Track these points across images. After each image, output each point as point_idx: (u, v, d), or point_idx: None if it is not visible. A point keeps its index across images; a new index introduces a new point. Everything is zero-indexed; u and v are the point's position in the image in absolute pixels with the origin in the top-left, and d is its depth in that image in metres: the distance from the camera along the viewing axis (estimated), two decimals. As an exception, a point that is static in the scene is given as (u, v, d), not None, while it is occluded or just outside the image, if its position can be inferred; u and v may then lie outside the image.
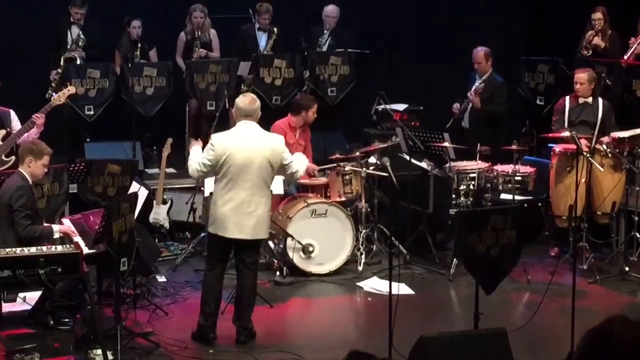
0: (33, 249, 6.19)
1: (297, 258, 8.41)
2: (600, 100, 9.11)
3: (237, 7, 10.93)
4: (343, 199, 8.71)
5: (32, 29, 10.48)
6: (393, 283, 6.14)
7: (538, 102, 10.36)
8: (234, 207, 6.62)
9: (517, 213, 6.35)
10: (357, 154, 8.85)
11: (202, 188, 8.76)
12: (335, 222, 8.50)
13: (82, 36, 10.11)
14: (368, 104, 10.53)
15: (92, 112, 9.86)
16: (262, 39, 10.76)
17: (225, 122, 9.29)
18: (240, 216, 6.63)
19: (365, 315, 7.89)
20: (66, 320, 7.05)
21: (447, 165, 8.80)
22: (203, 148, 6.84)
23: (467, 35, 10.93)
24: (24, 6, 10.67)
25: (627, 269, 8.41)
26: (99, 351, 6.30)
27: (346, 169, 8.70)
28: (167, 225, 9.22)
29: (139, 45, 10.31)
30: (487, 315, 6.27)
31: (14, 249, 6.20)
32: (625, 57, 9.95)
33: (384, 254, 8.72)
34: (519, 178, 8.65)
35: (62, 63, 9.92)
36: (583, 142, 8.16)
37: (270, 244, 8.48)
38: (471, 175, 8.64)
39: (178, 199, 9.50)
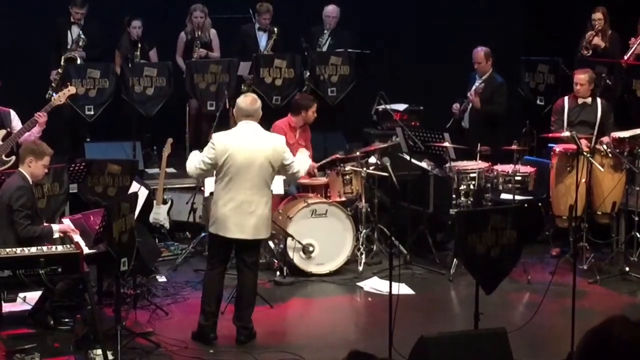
0: (33, 249, 6.19)
1: (297, 258, 8.41)
2: (599, 100, 9.12)
3: (238, 7, 10.93)
4: (343, 199, 8.72)
5: (32, 29, 10.48)
6: (393, 283, 6.14)
7: (538, 102, 10.35)
8: (234, 207, 6.62)
9: (518, 213, 6.35)
10: (358, 154, 8.85)
11: (202, 188, 8.76)
12: (336, 222, 8.50)
13: (82, 36, 10.11)
14: (368, 104, 10.53)
15: (92, 112, 9.87)
16: (263, 39, 10.76)
17: (225, 122, 9.28)
18: (241, 216, 6.63)
19: (365, 316, 7.89)
20: (66, 320, 7.05)
21: (447, 165, 8.80)
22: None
23: (467, 35, 10.93)
24: (24, 6, 10.67)
25: (627, 269, 8.40)
26: (99, 351, 6.31)
27: (346, 169, 8.70)
28: (167, 225, 9.22)
29: (139, 45, 10.31)
30: (487, 315, 6.27)
31: (14, 249, 6.20)
32: (626, 57, 9.96)
33: (384, 254, 8.72)
34: (519, 178, 8.65)
35: (62, 63, 9.92)
36: (583, 142, 8.17)
37: (271, 244, 8.48)
38: (471, 175, 8.64)
39: (178, 199, 9.51)
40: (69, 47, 10.12)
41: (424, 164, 9.15)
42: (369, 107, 10.53)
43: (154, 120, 10.17)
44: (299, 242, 8.36)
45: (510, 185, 8.61)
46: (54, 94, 8.82)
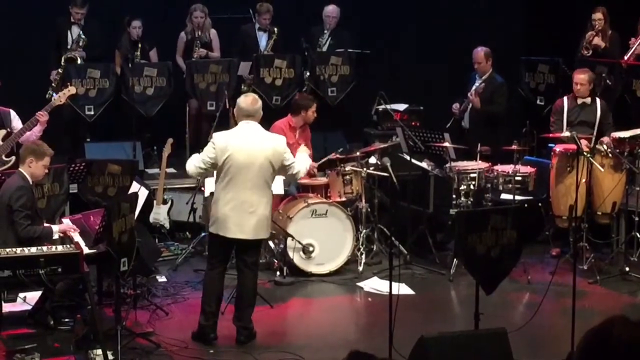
0: (33, 249, 6.19)
1: (297, 258, 8.41)
2: (598, 100, 9.13)
3: (238, 7, 10.93)
4: (343, 199, 8.72)
5: (32, 29, 10.48)
6: (393, 283, 6.14)
7: (538, 102, 10.35)
8: (235, 207, 6.62)
9: (518, 213, 6.35)
10: (358, 154, 8.84)
11: (202, 188, 8.77)
12: (336, 222, 8.50)
13: (82, 36, 10.11)
14: (368, 104, 10.53)
15: (92, 112, 9.87)
16: (263, 39, 10.76)
17: (225, 122, 9.29)
18: (241, 216, 6.63)
19: (365, 316, 7.89)
20: (66, 320, 7.05)
21: (447, 165, 8.80)
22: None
23: (467, 35, 10.93)
24: (24, 6, 10.67)
25: (627, 269, 8.40)
26: (99, 351, 6.31)
27: (347, 169, 8.70)
28: (167, 225, 9.23)
29: (139, 45, 10.31)
30: (487, 315, 6.27)
31: (14, 249, 6.20)
32: (626, 58, 9.95)
33: (384, 254, 8.72)
34: (519, 178, 8.65)
35: (62, 63, 9.92)
36: (583, 142, 8.17)
37: (271, 244, 8.49)
38: (471, 175, 8.64)
39: (178, 199, 9.51)
40: (69, 47, 10.12)
41: (424, 164, 9.15)
42: (369, 107, 10.53)
43: (154, 120, 10.17)
44: (299, 242, 8.36)
45: (510, 185, 8.61)
46: (54, 94, 8.82)
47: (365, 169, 8.69)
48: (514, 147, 8.65)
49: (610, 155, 8.54)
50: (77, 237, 6.83)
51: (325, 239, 8.45)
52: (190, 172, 6.91)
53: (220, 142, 6.65)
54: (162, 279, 8.28)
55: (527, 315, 7.06)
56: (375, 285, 8.19)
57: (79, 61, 10.04)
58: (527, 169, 8.82)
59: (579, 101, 9.09)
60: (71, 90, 8.72)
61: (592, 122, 9.05)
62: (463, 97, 9.88)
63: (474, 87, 9.73)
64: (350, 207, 8.77)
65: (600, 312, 7.16)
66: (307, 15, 11.22)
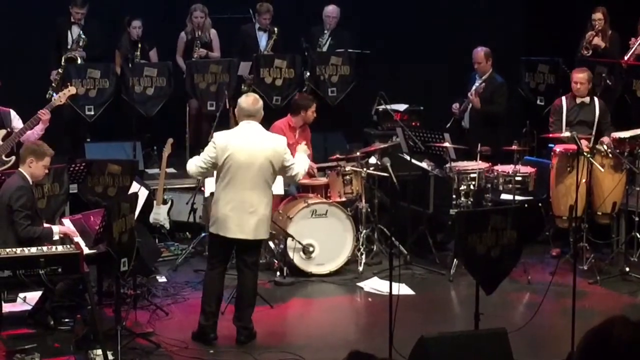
0: (33, 249, 6.19)
1: (297, 258, 8.41)
2: (596, 99, 9.13)
3: (238, 7, 10.93)
4: (343, 199, 8.71)
5: (32, 29, 10.48)
6: (393, 283, 6.14)
7: (538, 102, 10.35)
8: (235, 207, 6.62)
9: (518, 213, 6.35)
10: (358, 154, 8.84)
11: (202, 188, 8.77)
12: (336, 223, 8.50)
13: (82, 36, 10.11)
14: (368, 104, 10.53)
15: (92, 112, 9.87)
16: (263, 39, 10.76)
17: (225, 122, 9.29)
18: (241, 216, 6.63)
19: (365, 316, 7.89)
20: (66, 320, 7.05)
21: (447, 165, 8.80)
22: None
23: (467, 35, 10.93)
24: (24, 6, 10.66)
25: (627, 269, 8.40)
26: (99, 351, 6.31)
27: (346, 169, 8.70)
28: (167, 225, 9.23)
29: (139, 45, 10.31)
30: (487, 315, 6.27)
31: (14, 249, 6.20)
32: (626, 58, 9.95)
33: (384, 254, 8.72)
34: (520, 178, 8.65)
35: (62, 63, 9.92)
36: (583, 142, 8.17)
37: (271, 244, 8.49)
38: (471, 175, 8.64)
39: (178, 199, 9.51)
40: (69, 47, 10.12)
41: (424, 164, 9.15)
42: (369, 107, 10.53)
43: (154, 121, 10.17)
44: (299, 243, 8.36)
45: (510, 185, 8.61)
46: (54, 94, 8.82)
47: (365, 169, 8.69)
48: (514, 147, 8.66)
49: (610, 155, 8.54)
50: (77, 238, 6.83)
51: (325, 239, 8.44)
52: (191, 172, 6.91)
53: (221, 142, 6.65)
54: (162, 279, 8.28)
55: (527, 316, 7.06)
56: (376, 285, 8.19)
57: (79, 61, 10.04)
58: (527, 169, 8.82)
59: (578, 100, 9.10)
60: (71, 90, 8.72)
61: (591, 121, 9.05)
62: (463, 97, 9.88)
63: (474, 87, 9.73)
64: (350, 207, 8.77)
65: (601, 313, 7.16)
66: (307, 15, 11.22)
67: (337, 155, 8.93)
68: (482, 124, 9.72)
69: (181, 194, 9.61)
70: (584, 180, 7.78)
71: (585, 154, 7.95)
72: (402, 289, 7.44)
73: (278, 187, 7.77)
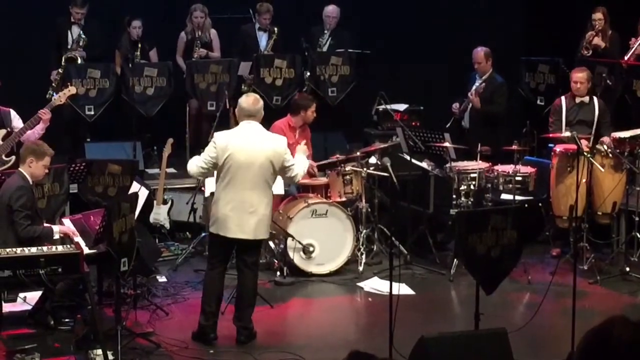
0: (33, 249, 6.19)
1: (297, 258, 8.41)
2: (595, 99, 9.14)
3: (238, 7, 10.93)
4: (343, 199, 8.71)
5: (32, 29, 10.48)
6: (393, 283, 6.14)
7: (539, 102, 10.35)
8: (235, 207, 6.62)
9: (518, 213, 6.35)
10: (358, 154, 8.84)
11: (202, 188, 8.77)
12: (336, 223, 8.50)
13: (83, 36, 10.11)
14: (368, 104, 10.53)
15: (92, 112, 9.87)
16: (263, 39, 10.76)
17: (225, 122, 9.29)
18: (241, 216, 6.63)
19: (365, 316, 7.89)
20: (66, 320, 7.05)
21: (447, 165, 8.80)
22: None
23: (467, 35, 10.93)
24: (24, 6, 10.67)
25: (627, 269, 8.40)
26: (100, 351, 6.31)
27: (347, 169, 8.70)
28: (167, 225, 9.23)
29: (139, 45, 10.31)
30: (487, 315, 6.27)
31: (14, 249, 6.20)
32: (626, 58, 9.95)
33: (384, 254, 8.72)
34: (520, 178, 8.65)
35: (63, 63, 9.92)
36: (583, 142, 8.17)
37: (271, 244, 8.49)
38: (472, 175, 8.64)
39: (178, 199, 9.51)
40: (69, 47, 10.12)
41: (424, 164, 9.15)
42: (369, 107, 10.53)
43: (154, 121, 10.17)
44: (299, 242, 8.36)
45: (510, 185, 8.61)
46: (54, 94, 8.82)
47: (365, 169, 8.69)
48: (514, 147, 8.66)
49: (610, 155, 8.54)
50: (77, 238, 6.83)
51: (325, 239, 8.44)
52: (192, 173, 6.91)
53: (221, 142, 6.66)
54: (162, 279, 8.28)
55: (527, 316, 7.06)
56: (376, 285, 8.19)
57: (79, 61, 10.04)
58: (528, 169, 8.81)
59: (577, 100, 9.10)
60: (71, 90, 8.72)
61: (590, 120, 9.05)
62: (463, 97, 9.88)
63: (474, 87, 9.73)
64: (351, 207, 8.77)
65: (601, 313, 7.15)
66: (307, 15, 11.22)
67: (338, 155, 8.92)
68: (482, 124, 9.72)
69: (181, 194, 9.61)
70: (584, 180, 7.78)
71: (585, 154, 7.96)
72: (402, 289, 7.44)
73: (278, 187, 7.77)
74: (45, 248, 6.26)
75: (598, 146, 8.63)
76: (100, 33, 10.35)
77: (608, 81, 9.80)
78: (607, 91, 9.75)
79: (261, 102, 6.87)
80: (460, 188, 8.61)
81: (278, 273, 8.37)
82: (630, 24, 10.12)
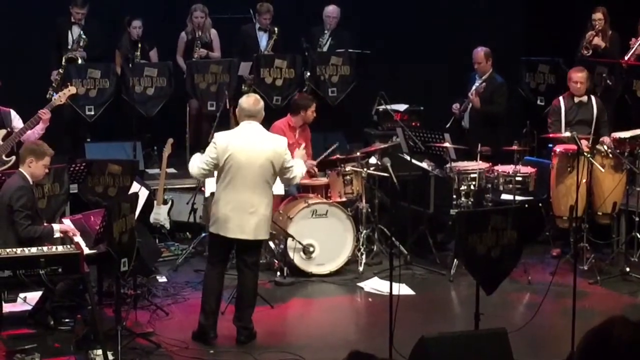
0: (33, 249, 6.19)
1: (297, 258, 8.41)
2: (593, 98, 9.14)
3: (238, 7, 10.93)
4: (344, 199, 8.71)
5: (32, 29, 10.48)
6: (394, 283, 6.14)
7: (539, 102, 10.35)
8: (235, 207, 6.63)
9: (518, 213, 6.35)
10: (358, 154, 8.84)
11: (202, 188, 8.77)
12: (336, 223, 8.50)
13: (83, 36, 10.11)
14: (368, 104, 10.53)
15: (92, 112, 9.87)
16: (263, 39, 10.76)
17: (226, 123, 9.29)
18: (241, 216, 6.63)
19: (365, 316, 7.89)
20: (67, 320, 7.05)
21: (447, 165, 8.80)
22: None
23: (467, 35, 10.93)
24: (24, 6, 10.67)
25: (627, 269, 8.40)
26: (100, 351, 6.31)
27: (347, 169, 8.70)
28: (167, 225, 9.23)
29: (140, 45, 10.30)
30: (487, 315, 6.27)
31: (14, 249, 6.20)
32: (626, 58, 9.95)
33: (384, 254, 8.72)
34: (520, 178, 8.65)
35: (63, 63, 9.92)
36: (583, 142, 8.17)
37: (271, 244, 8.49)
38: (472, 175, 8.64)
39: (179, 199, 9.51)
40: (69, 47, 10.12)
41: (424, 165, 9.15)
42: (370, 107, 10.53)
43: (154, 121, 10.18)
44: (300, 243, 8.36)
45: (510, 185, 8.61)
46: (54, 94, 8.82)
47: (365, 169, 8.69)
48: (514, 147, 8.66)
49: (610, 155, 8.55)
50: (77, 238, 6.83)
51: (325, 239, 8.45)
52: (194, 174, 6.92)
53: (222, 142, 6.66)
54: (162, 279, 8.28)
55: (527, 316, 7.06)
56: (376, 285, 8.19)
57: (79, 61, 10.04)
58: (528, 170, 8.81)
59: (576, 100, 9.10)
60: (71, 90, 8.72)
61: (589, 120, 9.06)
62: (463, 97, 9.88)
63: (474, 87, 9.73)
64: (351, 207, 8.77)
65: (601, 313, 7.15)
66: (307, 15, 11.22)
67: (338, 156, 8.92)
68: (482, 124, 9.72)
69: (181, 194, 9.61)
70: (584, 181, 7.78)
71: (585, 154, 7.96)
72: (403, 289, 7.44)
73: (278, 187, 7.77)
74: (45, 248, 6.26)
75: (598, 146, 8.63)
76: (100, 33, 10.35)
77: (608, 81, 9.80)
78: (607, 91, 9.75)
79: (262, 103, 6.87)
80: (461, 188, 8.61)
81: (278, 273, 8.37)
82: (630, 24, 10.12)
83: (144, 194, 7.77)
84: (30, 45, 10.46)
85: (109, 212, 6.28)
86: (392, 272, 6.12)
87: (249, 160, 6.61)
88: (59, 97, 8.52)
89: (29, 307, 7.13)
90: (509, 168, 8.69)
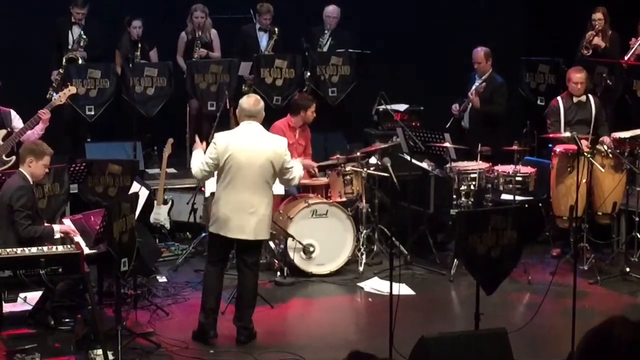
0: (34, 249, 6.19)
1: (297, 258, 8.41)
2: (591, 97, 9.15)
3: (238, 7, 10.93)
4: (344, 199, 8.72)
5: (33, 29, 10.48)
6: (394, 283, 6.14)
7: (539, 102, 10.35)
8: (235, 207, 6.63)
9: (518, 213, 6.35)
10: (358, 154, 8.85)
11: (202, 188, 8.77)
12: (336, 223, 8.50)
13: (83, 36, 10.11)
14: (369, 104, 10.53)
15: (92, 112, 9.87)
16: (263, 39, 10.76)
17: (226, 123, 9.30)
18: (242, 216, 6.63)
19: (365, 316, 7.90)
20: (67, 320, 7.06)
21: (447, 165, 8.80)
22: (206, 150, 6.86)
23: (467, 35, 10.93)
24: (24, 6, 10.67)
25: (627, 269, 8.40)
26: (100, 351, 6.31)
27: (347, 169, 8.71)
28: (167, 225, 9.23)
29: (140, 45, 10.31)
30: (487, 315, 6.27)
31: (14, 249, 6.20)
32: (626, 58, 9.95)
33: (384, 254, 8.72)
34: (520, 178, 8.65)
35: (64, 63, 9.92)
36: (583, 142, 8.17)
37: (271, 244, 8.49)
38: (472, 175, 8.64)
39: (179, 199, 9.51)
40: (70, 47, 10.12)
41: (424, 165, 9.15)
42: (370, 107, 10.53)
43: (154, 121, 10.18)
44: (300, 243, 8.36)
45: (510, 185, 8.61)
46: (54, 94, 8.82)
47: (365, 169, 8.69)
48: (514, 147, 8.66)
49: (610, 155, 8.55)
50: (77, 238, 6.83)
51: (325, 239, 8.45)
52: (197, 176, 6.94)
53: (222, 142, 6.66)
54: (162, 279, 8.29)
55: (527, 316, 7.06)
56: (376, 285, 8.19)
57: (80, 61, 10.04)
58: (528, 170, 8.81)
59: (575, 100, 9.10)
60: (71, 90, 8.73)
61: (588, 119, 9.06)
62: (463, 97, 9.88)
63: (474, 87, 9.73)
64: (351, 207, 8.77)
65: (601, 313, 7.15)
66: (307, 15, 11.22)
67: (338, 156, 8.92)
68: (482, 124, 9.72)
69: (181, 194, 9.61)
70: (584, 181, 7.78)
71: (585, 154, 7.96)
72: (403, 289, 7.44)
73: (278, 187, 7.76)
74: (45, 248, 6.26)
75: (598, 146, 8.63)
76: (100, 33, 10.35)
77: (608, 81, 9.80)
78: (607, 91, 9.76)
79: (262, 103, 6.88)
80: (461, 188, 8.61)
81: (278, 273, 8.37)
82: (630, 24, 10.12)
83: (144, 194, 7.77)
84: (30, 45, 10.46)
85: (109, 212, 6.28)
86: (392, 272, 6.12)
87: (249, 160, 6.62)
88: (59, 97, 8.52)
89: (29, 307, 7.13)
90: (509, 168, 8.69)
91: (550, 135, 8.97)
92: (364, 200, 8.70)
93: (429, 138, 8.93)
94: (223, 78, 10.10)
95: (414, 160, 8.98)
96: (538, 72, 10.44)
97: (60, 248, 6.33)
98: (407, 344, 5.78)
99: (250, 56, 10.46)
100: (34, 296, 7.11)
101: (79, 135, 10.30)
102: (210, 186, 8.07)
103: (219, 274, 6.87)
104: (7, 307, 7.10)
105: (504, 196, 8.76)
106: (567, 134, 8.42)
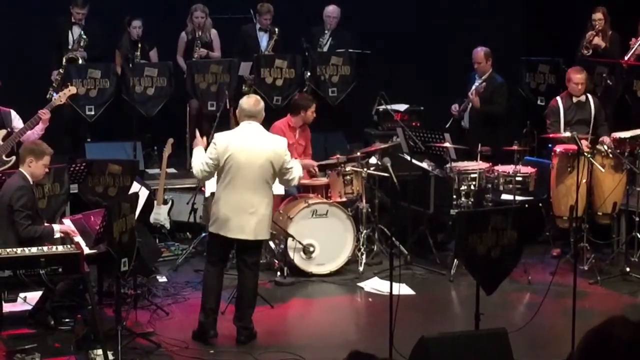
0: (34, 249, 6.19)
1: (297, 258, 8.41)
2: (590, 97, 9.15)
3: (238, 8, 10.94)
4: (344, 199, 8.72)
5: (33, 29, 10.48)
6: (394, 283, 6.14)
7: (539, 102, 10.35)
8: (235, 207, 6.63)
9: (518, 213, 6.35)
10: (358, 154, 8.85)
11: (202, 188, 8.77)
12: (336, 223, 8.50)
13: (83, 36, 10.11)
14: (369, 104, 10.53)
15: (92, 112, 9.88)
16: (263, 39, 10.76)
17: (226, 123, 9.30)
18: (242, 216, 6.64)
19: (366, 316, 7.90)
20: (67, 320, 7.06)
21: (447, 165, 8.80)
22: (206, 148, 6.85)
23: (467, 35, 10.93)
24: (24, 6, 10.67)
25: (628, 269, 8.40)
26: (100, 351, 6.31)
27: (347, 169, 8.71)
28: (167, 225, 9.23)
29: (140, 45, 10.31)
30: (487, 315, 6.27)
31: (14, 249, 6.20)
32: (626, 58, 9.95)
33: (384, 254, 8.72)
34: (520, 178, 8.65)
35: (64, 63, 9.93)
36: (583, 142, 8.17)
37: (271, 244, 8.48)
38: (472, 175, 8.64)
39: (179, 199, 9.51)
40: (70, 47, 10.12)
41: (424, 165, 9.15)
42: (370, 107, 10.53)
43: (154, 121, 10.18)
44: (300, 243, 8.36)
45: (510, 185, 8.61)
46: (54, 94, 8.82)
47: (365, 169, 8.69)
48: (514, 147, 8.66)
49: (610, 155, 8.54)
50: (77, 238, 6.83)
51: (325, 239, 8.45)
52: (197, 176, 6.94)
53: (222, 142, 6.66)
54: (162, 279, 8.29)
55: (527, 316, 7.06)
56: (376, 285, 8.19)
57: (80, 61, 10.04)
58: (528, 170, 8.81)
59: (574, 100, 9.11)
60: (71, 90, 8.73)
61: (588, 119, 9.07)
62: (463, 97, 9.88)
63: (474, 87, 9.73)
64: (351, 207, 8.77)
65: (601, 313, 7.15)
66: (307, 15, 11.23)
67: (338, 156, 8.92)
68: (482, 124, 9.72)
69: (181, 194, 9.62)
70: (584, 181, 7.78)
71: (585, 154, 7.96)
72: (403, 289, 7.44)
73: (278, 187, 7.76)
74: (45, 248, 6.26)
75: (598, 146, 8.63)
76: (100, 33, 10.35)
77: (608, 81, 9.80)
78: (607, 91, 9.76)
79: (262, 104, 6.88)
80: (461, 188, 8.61)
81: (278, 273, 8.37)
82: (630, 24, 10.12)
83: (144, 194, 7.77)
84: (30, 45, 10.46)
85: (109, 212, 6.28)
86: (392, 272, 6.12)
87: (249, 160, 6.62)
88: (59, 97, 8.52)
89: (29, 307, 7.13)
90: (509, 168, 8.69)
91: (550, 135, 8.97)
92: (364, 200, 8.70)
93: (429, 138, 8.93)
94: (223, 78, 10.10)
95: (414, 160, 8.98)
96: (538, 72, 10.44)
97: (60, 248, 6.33)
98: (407, 344, 5.78)
99: (251, 56, 10.46)
100: (34, 296, 7.11)
101: (79, 135, 10.30)
102: (210, 186, 8.07)
103: (219, 274, 6.88)
104: (7, 307, 7.10)
105: (504, 196, 8.76)
106: (567, 134, 8.43)
